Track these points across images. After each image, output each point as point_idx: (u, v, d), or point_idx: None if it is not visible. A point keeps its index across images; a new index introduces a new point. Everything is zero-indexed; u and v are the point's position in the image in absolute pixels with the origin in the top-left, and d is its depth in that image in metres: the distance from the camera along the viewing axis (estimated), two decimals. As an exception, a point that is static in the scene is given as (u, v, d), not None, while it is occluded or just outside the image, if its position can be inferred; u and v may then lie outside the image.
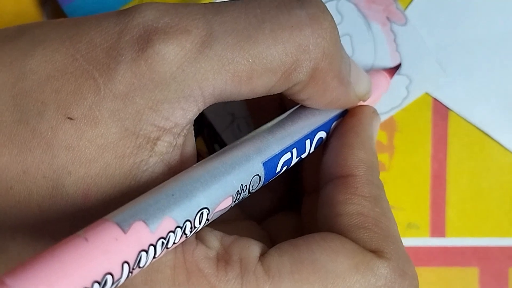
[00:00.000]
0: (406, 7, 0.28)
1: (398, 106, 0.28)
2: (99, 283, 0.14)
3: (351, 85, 0.21)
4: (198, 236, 0.19)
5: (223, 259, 0.18)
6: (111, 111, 0.17)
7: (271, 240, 0.23)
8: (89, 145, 0.17)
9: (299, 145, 0.21)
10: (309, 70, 0.19)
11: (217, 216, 0.18)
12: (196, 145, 0.20)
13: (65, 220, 0.17)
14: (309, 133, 0.21)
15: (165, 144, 0.18)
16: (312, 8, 0.19)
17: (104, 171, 0.17)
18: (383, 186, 0.22)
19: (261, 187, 0.20)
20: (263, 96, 0.20)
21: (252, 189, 0.19)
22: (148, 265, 0.16)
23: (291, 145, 0.20)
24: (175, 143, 0.18)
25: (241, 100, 0.20)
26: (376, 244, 0.20)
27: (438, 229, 0.29)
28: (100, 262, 0.14)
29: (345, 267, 0.19)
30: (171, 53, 0.17)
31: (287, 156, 0.20)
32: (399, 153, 0.28)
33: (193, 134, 0.20)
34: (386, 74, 0.26)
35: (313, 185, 0.24)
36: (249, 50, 0.18)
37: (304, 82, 0.19)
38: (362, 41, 0.27)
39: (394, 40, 0.27)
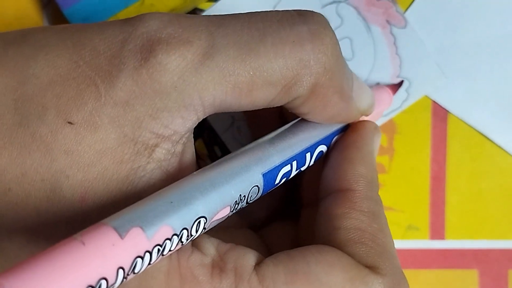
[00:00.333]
0: (406, 10, 0.28)
1: (398, 108, 0.28)
2: (93, 287, 0.14)
3: (352, 100, 0.21)
4: (194, 242, 0.19)
5: (218, 266, 0.18)
6: (111, 117, 0.17)
7: (267, 249, 0.23)
8: (88, 150, 0.17)
9: (299, 157, 0.21)
10: (310, 84, 0.19)
11: (214, 225, 0.18)
12: (196, 146, 0.20)
13: (62, 224, 0.17)
14: (310, 146, 0.21)
15: (163, 151, 0.18)
16: (314, 24, 0.19)
17: (101, 175, 0.17)
18: (381, 202, 0.22)
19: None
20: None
21: (250, 200, 0.19)
22: (142, 271, 0.16)
23: (291, 158, 0.20)
24: (173, 150, 0.18)
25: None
26: (372, 259, 0.20)
27: (437, 232, 0.29)
28: (95, 267, 0.14)
29: (340, 281, 0.19)
30: (173, 63, 0.17)
31: (286, 168, 0.20)
32: (398, 155, 0.28)
33: (193, 142, 0.20)
34: (389, 90, 0.26)
35: (312, 198, 0.24)
36: (250, 63, 0.18)
37: (304, 96, 0.19)
38: (362, 44, 0.28)
39: (394, 43, 0.28)
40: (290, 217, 0.25)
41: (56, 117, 0.17)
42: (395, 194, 0.28)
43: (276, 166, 0.20)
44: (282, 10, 0.19)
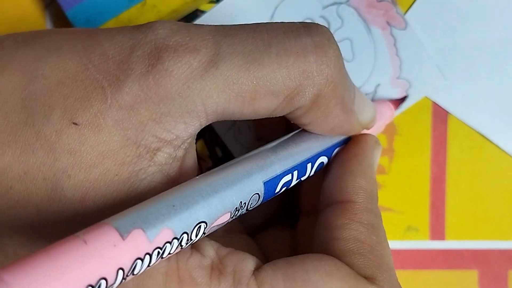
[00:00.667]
0: (406, 12, 0.28)
1: (398, 109, 0.28)
2: (92, 287, 0.14)
3: (354, 113, 0.21)
4: (194, 244, 0.19)
5: (217, 269, 0.18)
6: (115, 120, 0.17)
7: (264, 255, 0.23)
8: (90, 151, 0.17)
9: (301, 167, 0.21)
10: (312, 95, 0.19)
11: (213, 230, 0.18)
12: (197, 147, 0.20)
13: (62, 223, 0.18)
14: (312, 157, 0.21)
15: (165, 155, 0.18)
16: (318, 36, 0.19)
17: (103, 176, 0.18)
18: (380, 215, 0.22)
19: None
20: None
21: (250, 207, 0.19)
22: (141, 273, 0.16)
23: (293, 167, 0.21)
24: (175, 155, 0.18)
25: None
26: (370, 271, 0.20)
27: (437, 232, 0.29)
28: (96, 267, 0.14)
29: None
30: (179, 70, 0.18)
31: (287, 177, 0.21)
32: (398, 156, 0.29)
33: (195, 148, 0.20)
34: (391, 105, 0.27)
35: (310, 207, 0.24)
36: (254, 72, 0.18)
37: (306, 107, 0.20)
38: (363, 45, 0.28)
39: (394, 44, 0.28)
40: (287, 223, 0.25)
41: (62, 117, 0.17)
42: (395, 195, 0.28)
43: (278, 175, 0.20)
44: (287, 22, 0.20)
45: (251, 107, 0.19)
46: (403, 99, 0.28)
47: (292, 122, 0.21)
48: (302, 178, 0.22)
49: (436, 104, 0.28)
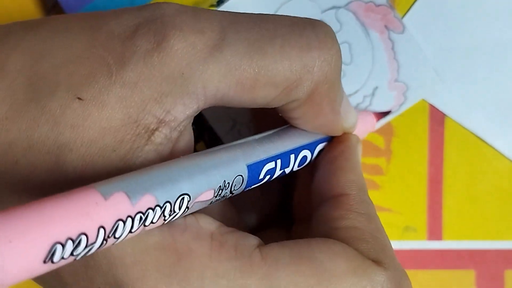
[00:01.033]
0: (404, 16, 0.28)
1: (396, 111, 0.28)
2: (73, 240, 0.14)
3: (340, 115, 0.22)
4: (195, 218, 0.19)
5: (218, 241, 0.18)
6: (119, 97, 0.18)
7: None
8: (93, 126, 0.17)
9: (284, 157, 0.21)
10: (309, 90, 0.20)
11: (197, 208, 0.18)
12: (197, 149, 0.20)
13: None
14: (295, 149, 0.22)
15: (162, 136, 0.18)
16: (323, 33, 0.19)
17: (102, 152, 0.18)
18: (374, 207, 0.22)
19: (247, 203, 0.20)
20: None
21: (234, 189, 0.20)
22: (123, 239, 0.16)
23: (276, 155, 0.21)
24: (170, 136, 0.18)
25: (245, 108, 0.20)
26: (375, 254, 0.20)
27: (435, 232, 0.29)
28: (77, 221, 0.14)
29: (343, 269, 0.19)
30: (183, 50, 0.18)
31: (271, 165, 0.21)
32: (396, 157, 0.29)
33: (191, 132, 0.20)
34: (373, 116, 0.27)
35: (303, 214, 0.24)
36: (257, 61, 0.18)
37: (301, 101, 0.20)
38: (361, 49, 0.28)
39: (392, 48, 0.28)
40: (283, 226, 0.25)
41: (67, 92, 0.17)
42: (392, 195, 0.29)
43: (261, 160, 0.20)
44: (294, 16, 0.20)
45: (250, 95, 0.19)
46: (386, 113, 0.28)
47: (280, 114, 0.21)
48: (286, 170, 0.22)
49: (433, 107, 0.29)
